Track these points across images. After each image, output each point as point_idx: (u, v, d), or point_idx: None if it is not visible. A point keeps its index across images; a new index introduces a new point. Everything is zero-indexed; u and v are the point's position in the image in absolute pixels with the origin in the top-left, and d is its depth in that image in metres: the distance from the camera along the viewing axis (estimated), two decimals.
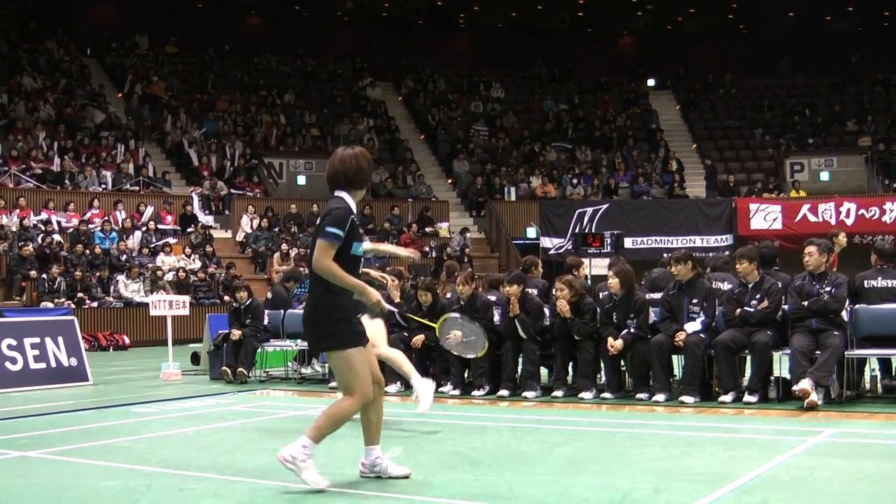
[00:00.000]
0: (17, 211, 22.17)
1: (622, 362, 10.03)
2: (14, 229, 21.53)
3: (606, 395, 9.84)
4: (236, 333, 12.46)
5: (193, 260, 22.65)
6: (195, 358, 14.42)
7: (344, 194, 5.64)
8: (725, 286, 9.95)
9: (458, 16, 35.85)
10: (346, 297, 5.57)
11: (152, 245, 22.79)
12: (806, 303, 9.02)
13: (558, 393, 10.00)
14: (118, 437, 8.15)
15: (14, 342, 11.85)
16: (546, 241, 26.75)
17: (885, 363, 9.90)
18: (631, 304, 9.82)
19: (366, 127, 30.50)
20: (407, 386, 10.99)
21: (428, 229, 26.56)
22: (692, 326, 9.44)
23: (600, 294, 10.62)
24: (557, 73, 35.04)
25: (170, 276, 21.41)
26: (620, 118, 32.57)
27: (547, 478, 5.90)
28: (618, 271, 9.93)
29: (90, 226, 22.51)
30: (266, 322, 12.81)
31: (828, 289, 9.01)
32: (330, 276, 5.46)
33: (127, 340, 20.03)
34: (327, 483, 5.61)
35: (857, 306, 9.12)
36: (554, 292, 10.18)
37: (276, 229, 25.09)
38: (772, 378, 9.39)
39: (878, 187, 28.64)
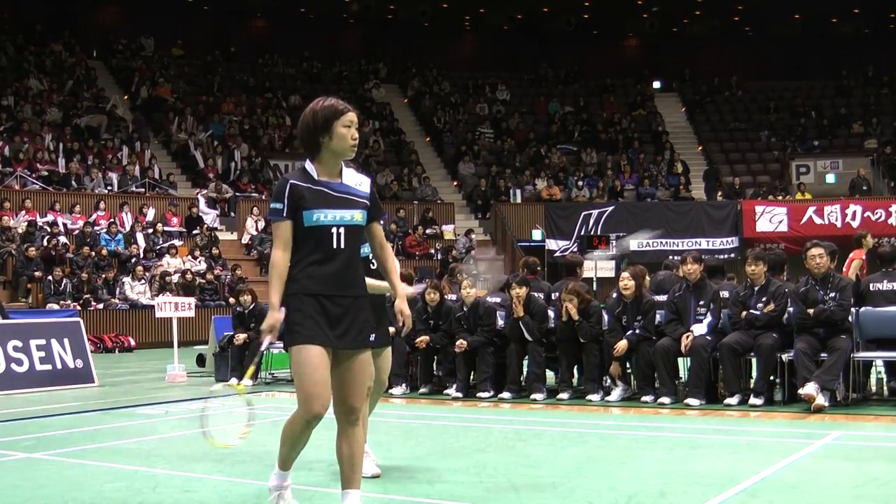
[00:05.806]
0: (24, 213, 22.22)
1: (627, 364, 10.03)
2: (20, 231, 21.56)
3: (610, 397, 9.84)
4: (240, 338, 12.40)
5: (199, 262, 22.67)
6: (201, 360, 14.42)
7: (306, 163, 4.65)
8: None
9: (464, 18, 35.84)
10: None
11: (158, 247, 22.81)
12: (811, 311, 8.94)
13: (564, 395, 9.99)
14: (124, 438, 8.16)
15: (20, 344, 11.85)
16: (551, 244, 26.74)
17: (890, 366, 9.86)
18: (640, 305, 9.81)
19: (371, 129, 30.51)
20: (413, 388, 11.02)
21: (429, 231, 26.57)
22: (699, 329, 9.43)
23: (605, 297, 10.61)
24: (563, 76, 35.02)
25: (175, 278, 21.43)
26: (626, 120, 32.55)
27: (552, 480, 5.90)
28: (633, 273, 9.90)
29: (96, 227, 22.54)
30: None
31: (832, 294, 8.95)
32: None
33: (132, 342, 20.03)
34: None
35: (862, 309, 9.09)
36: (561, 300, 10.13)
37: None
38: (777, 381, 9.37)
39: (883, 190, 28.58)
